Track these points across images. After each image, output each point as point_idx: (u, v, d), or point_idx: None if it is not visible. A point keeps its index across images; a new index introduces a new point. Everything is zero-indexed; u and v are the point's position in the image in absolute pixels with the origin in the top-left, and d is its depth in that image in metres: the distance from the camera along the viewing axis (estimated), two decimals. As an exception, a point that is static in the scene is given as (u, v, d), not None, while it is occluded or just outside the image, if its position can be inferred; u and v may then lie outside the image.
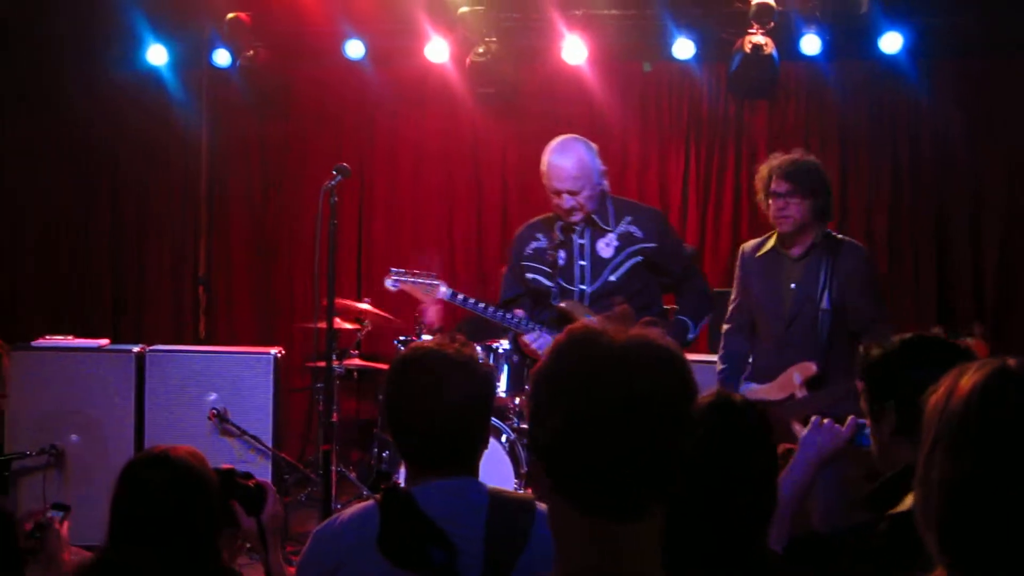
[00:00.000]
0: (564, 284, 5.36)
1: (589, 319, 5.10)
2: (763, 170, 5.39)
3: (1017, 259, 8.79)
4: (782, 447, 5.07)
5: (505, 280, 5.86)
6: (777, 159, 5.37)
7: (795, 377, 5.12)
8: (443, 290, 5.66)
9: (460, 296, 5.63)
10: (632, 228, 5.31)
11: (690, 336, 5.23)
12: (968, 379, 1.79)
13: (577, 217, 5.29)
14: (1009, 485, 1.70)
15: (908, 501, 2.59)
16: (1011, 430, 1.72)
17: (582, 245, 5.36)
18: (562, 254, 5.38)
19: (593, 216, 5.30)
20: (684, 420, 1.74)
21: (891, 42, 8.35)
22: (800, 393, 5.08)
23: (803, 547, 3.02)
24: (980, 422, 1.75)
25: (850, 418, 3.31)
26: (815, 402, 5.01)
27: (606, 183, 5.39)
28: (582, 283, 5.33)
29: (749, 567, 2.51)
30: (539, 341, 5.29)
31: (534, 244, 5.53)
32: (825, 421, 3.34)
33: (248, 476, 2.99)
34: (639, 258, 5.29)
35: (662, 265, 5.36)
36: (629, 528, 1.71)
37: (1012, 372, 1.77)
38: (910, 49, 8.43)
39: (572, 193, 5.21)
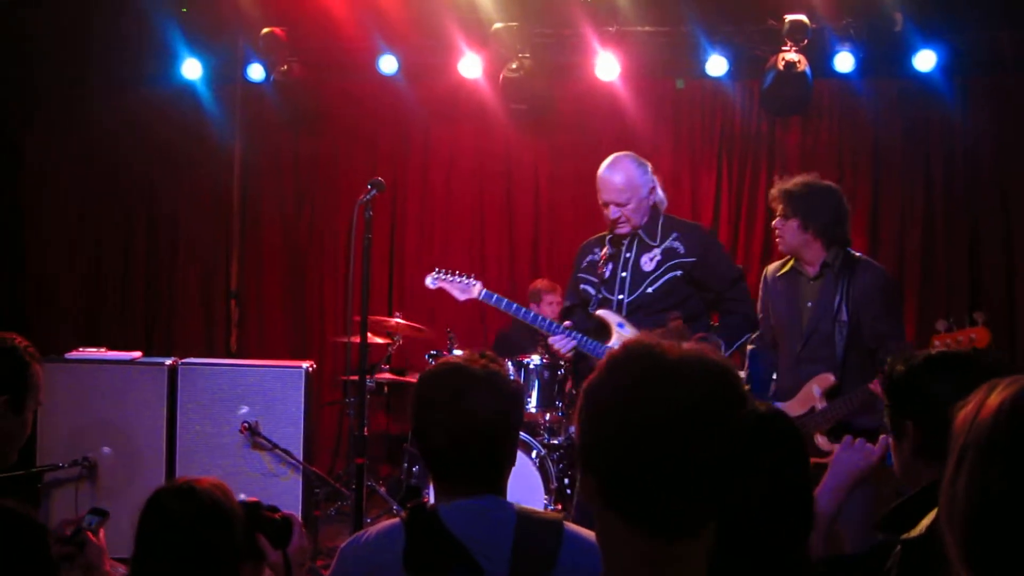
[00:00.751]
0: (605, 294, 5.51)
1: (621, 329, 5.29)
2: (772, 190, 5.49)
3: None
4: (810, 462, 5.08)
5: (567, 290, 6.05)
6: (782, 182, 5.44)
7: (815, 390, 5.19)
8: (477, 289, 5.85)
9: (494, 296, 5.80)
10: (676, 244, 5.44)
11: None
12: (998, 394, 1.82)
13: (624, 229, 5.46)
14: None
15: (924, 524, 2.57)
16: None
17: (627, 258, 5.50)
18: (610, 266, 5.54)
19: (640, 232, 5.46)
20: (736, 435, 1.71)
21: (925, 60, 8.32)
22: (820, 405, 5.16)
23: (830, 568, 2.99)
24: (1010, 436, 1.77)
25: (882, 437, 3.27)
26: (835, 412, 5.10)
27: (661, 200, 5.59)
28: (620, 293, 5.47)
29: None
30: (562, 342, 5.46)
31: (591, 257, 5.69)
32: (857, 440, 3.30)
33: (274, 509, 2.97)
34: (678, 272, 5.38)
35: (702, 280, 5.43)
36: (681, 544, 1.69)
37: None
38: (944, 67, 8.40)
39: (618, 205, 5.40)
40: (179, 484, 2.84)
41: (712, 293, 5.46)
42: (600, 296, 5.52)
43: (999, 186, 8.79)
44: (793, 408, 5.23)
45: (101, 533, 3.30)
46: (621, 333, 5.37)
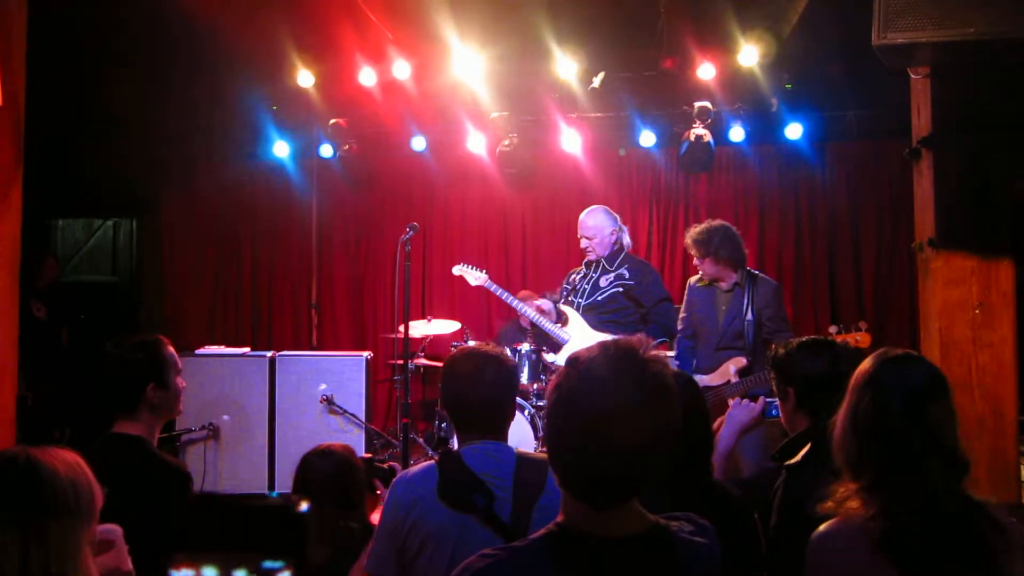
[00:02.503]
0: (571, 297, 5.62)
1: (574, 319, 5.44)
2: (685, 240, 5.50)
3: (886, 279, 8.72)
4: (721, 418, 5.16)
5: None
6: (691, 231, 5.46)
7: (731, 368, 5.25)
8: (484, 278, 6.07)
9: (493, 285, 5.99)
10: (624, 271, 5.52)
11: None
12: (870, 360, 2.07)
13: (592, 257, 5.60)
14: (882, 432, 1.97)
15: (800, 454, 2.69)
16: (888, 399, 1.98)
17: (592, 276, 5.60)
18: (581, 282, 5.64)
19: (603, 260, 5.56)
20: (672, 437, 1.64)
21: (794, 131, 8.33)
22: (734, 379, 5.21)
23: (734, 487, 3.02)
24: (868, 379, 2.02)
25: (760, 398, 3.36)
26: (744, 385, 5.15)
27: (627, 243, 5.68)
28: (580, 298, 5.57)
29: (701, 493, 2.52)
30: (529, 313, 5.76)
31: (572, 276, 5.83)
32: (744, 400, 3.38)
33: (383, 460, 3.15)
34: (620, 288, 5.48)
35: (636, 298, 5.49)
36: (616, 509, 1.63)
37: (891, 356, 2.06)
38: (808, 136, 8.42)
39: (588, 239, 5.58)
40: (321, 448, 3.09)
41: (644, 308, 5.49)
42: (568, 298, 5.62)
43: (850, 223, 8.81)
44: (714, 380, 5.31)
45: None
46: (574, 321, 5.51)
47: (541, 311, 5.74)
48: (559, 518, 1.66)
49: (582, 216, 5.65)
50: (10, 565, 1.67)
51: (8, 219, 4.60)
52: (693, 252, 5.43)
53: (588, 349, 1.65)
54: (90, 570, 1.77)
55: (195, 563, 1.42)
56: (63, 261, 9.89)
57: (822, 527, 1.98)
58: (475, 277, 6.08)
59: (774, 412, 3.34)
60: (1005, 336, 4.76)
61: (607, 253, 5.55)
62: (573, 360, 1.64)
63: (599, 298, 5.47)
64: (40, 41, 4.78)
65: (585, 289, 5.57)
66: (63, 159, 8.22)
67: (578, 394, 1.59)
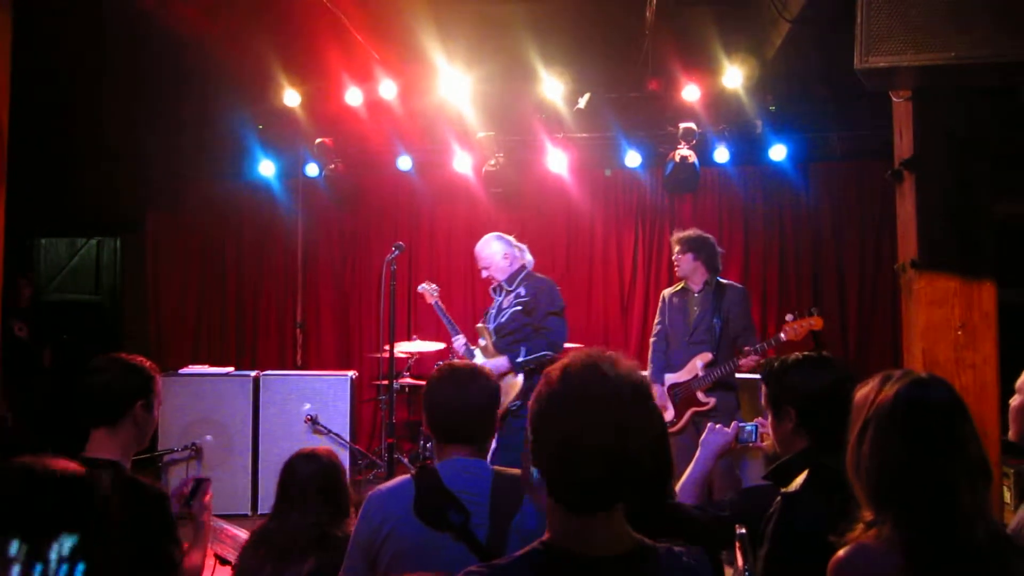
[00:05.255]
0: (486, 322, 5.82)
1: (481, 341, 5.68)
2: (673, 236, 6.14)
3: (870, 298, 8.76)
4: (692, 411, 5.70)
5: None
6: (678, 232, 6.09)
7: (697, 363, 5.76)
8: (434, 298, 6.30)
9: (439, 307, 6.24)
10: (522, 289, 5.67)
11: (519, 360, 5.47)
12: (893, 384, 1.99)
13: (493, 282, 5.81)
14: (919, 457, 1.91)
15: (798, 481, 2.54)
16: (924, 422, 1.93)
17: (499, 300, 5.80)
18: (491, 309, 5.86)
19: (503, 282, 5.73)
20: (649, 441, 1.65)
21: (778, 152, 8.38)
22: (701, 373, 5.73)
23: (710, 507, 2.97)
24: (903, 417, 1.94)
25: (734, 423, 3.31)
26: (710, 377, 5.70)
27: (529, 260, 5.86)
28: (492, 322, 5.75)
29: (663, 517, 2.48)
30: (455, 344, 6.01)
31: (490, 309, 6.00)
32: (717, 426, 3.31)
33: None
34: (519, 307, 5.62)
35: (531, 312, 5.58)
36: (600, 516, 1.64)
37: (925, 381, 1.99)
38: (791, 157, 8.47)
39: (485, 268, 5.79)
40: (305, 451, 3.25)
41: (536, 321, 5.56)
42: (485, 323, 5.80)
43: (833, 243, 8.86)
44: (682, 376, 5.85)
45: (208, 495, 3.33)
46: (480, 343, 5.77)
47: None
48: (544, 537, 1.67)
49: (476, 248, 5.83)
50: None
51: (-10, 238, 4.58)
52: (677, 248, 5.97)
53: (560, 362, 1.70)
54: None
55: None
56: (46, 280, 9.86)
57: (842, 552, 1.94)
58: (430, 294, 6.32)
59: (749, 438, 3.30)
60: (987, 357, 4.75)
61: (506, 276, 5.70)
62: (547, 373, 1.69)
63: (503, 320, 5.63)
64: (24, 59, 4.78)
65: (492, 314, 5.76)
66: (46, 177, 8.20)
67: (556, 400, 1.63)
